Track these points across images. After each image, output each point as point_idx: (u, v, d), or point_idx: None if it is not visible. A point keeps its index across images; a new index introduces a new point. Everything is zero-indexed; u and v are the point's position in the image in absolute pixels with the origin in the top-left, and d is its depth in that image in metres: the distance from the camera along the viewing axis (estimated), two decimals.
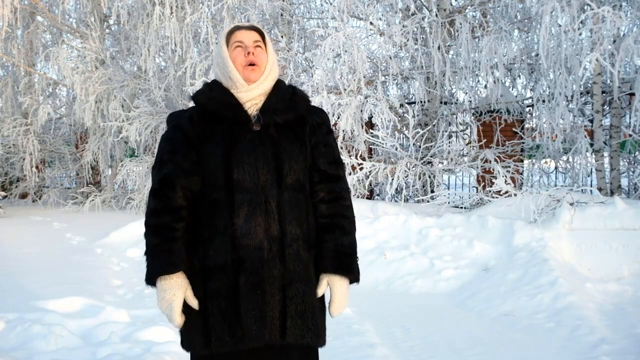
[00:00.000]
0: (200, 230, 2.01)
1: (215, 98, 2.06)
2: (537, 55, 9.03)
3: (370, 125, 9.71)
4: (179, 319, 1.97)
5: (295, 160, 2.02)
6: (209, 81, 2.19)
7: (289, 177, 2.00)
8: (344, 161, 2.18)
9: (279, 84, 2.13)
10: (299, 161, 2.03)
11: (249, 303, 1.93)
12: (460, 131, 10.49)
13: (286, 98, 2.09)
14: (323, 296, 2.11)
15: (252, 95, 2.05)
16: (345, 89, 8.31)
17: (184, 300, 1.98)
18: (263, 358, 1.99)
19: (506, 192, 7.22)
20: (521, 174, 8.93)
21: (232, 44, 2.08)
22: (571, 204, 6.21)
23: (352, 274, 2.07)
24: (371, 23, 9.85)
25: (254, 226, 1.95)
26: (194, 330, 2.00)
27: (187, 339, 2.04)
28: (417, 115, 9.72)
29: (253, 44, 2.07)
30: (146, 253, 2.03)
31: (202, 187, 2.01)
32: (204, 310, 1.97)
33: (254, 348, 1.95)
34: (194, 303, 1.98)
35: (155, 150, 11.31)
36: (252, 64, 2.05)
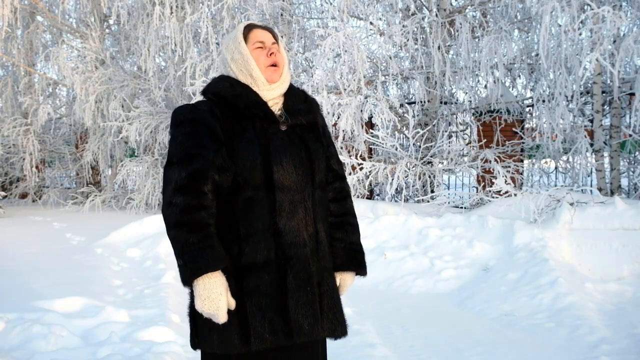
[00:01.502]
0: (233, 228, 1.97)
1: (243, 95, 2.04)
2: (537, 55, 9.04)
3: (370, 125, 9.72)
4: (225, 316, 1.91)
5: (321, 160, 2.10)
6: (217, 76, 2.15)
7: (318, 176, 2.08)
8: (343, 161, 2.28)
9: (291, 85, 2.18)
10: (323, 161, 2.11)
11: (298, 300, 1.96)
12: (460, 131, 10.49)
13: (301, 100, 2.15)
14: None
15: (273, 95, 2.08)
16: (345, 89, 8.31)
17: None
18: (294, 354, 2.00)
19: (506, 192, 7.22)
20: (521, 174, 8.93)
21: (252, 42, 2.08)
22: (571, 204, 6.21)
23: (363, 269, 2.20)
24: (371, 23, 9.85)
25: (296, 224, 1.99)
26: (230, 329, 1.94)
27: (219, 338, 1.96)
28: (417, 115, 9.73)
29: (272, 44, 2.10)
30: (182, 252, 1.89)
31: (233, 184, 1.97)
32: (240, 308, 1.93)
33: (286, 345, 1.96)
34: (232, 303, 1.93)
35: (156, 150, 11.20)
36: (274, 65, 2.08)
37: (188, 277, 1.88)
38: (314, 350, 2.06)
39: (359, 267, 2.19)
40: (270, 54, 2.07)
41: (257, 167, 1.96)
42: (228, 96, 2.04)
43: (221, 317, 1.90)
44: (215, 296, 1.87)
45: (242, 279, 1.95)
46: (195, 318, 2.01)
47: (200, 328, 1.99)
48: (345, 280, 2.19)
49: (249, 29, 2.11)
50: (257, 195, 1.97)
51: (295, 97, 2.14)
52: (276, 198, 1.97)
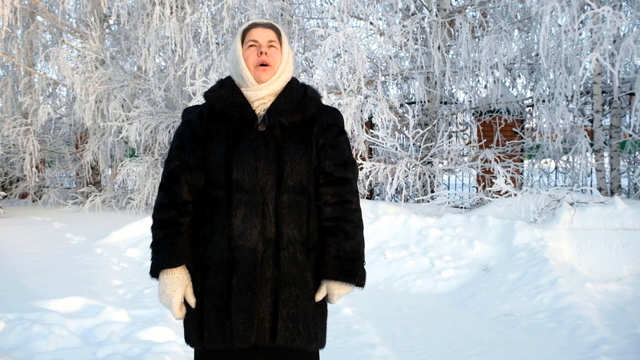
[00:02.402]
0: (202, 227, 2.04)
1: (223, 97, 2.06)
2: (537, 55, 9.04)
3: (370, 125, 9.72)
4: (178, 313, 2.02)
5: (298, 163, 2.00)
6: (222, 78, 2.19)
7: (290, 179, 1.99)
8: (354, 163, 2.14)
9: (291, 83, 2.11)
10: (302, 163, 2.01)
11: (239, 304, 1.95)
12: (460, 131, 10.49)
13: (295, 99, 2.07)
14: (324, 300, 2.11)
15: (260, 95, 2.05)
16: (345, 89, 8.31)
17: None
18: (255, 358, 2.00)
19: (506, 192, 7.22)
20: (521, 174, 8.93)
21: (246, 42, 2.07)
22: (571, 204, 6.21)
23: (354, 280, 2.05)
24: (371, 23, 9.85)
25: (250, 227, 1.95)
26: (192, 324, 2.03)
27: (186, 332, 2.08)
28: (417, 115, 9.73)
29: (267, 43, 2.06)
30: (151, 246, 2.05)
31: (205, 184, 2.03)
32: (200, 306, 2.01)
33: (246, 348, 1.97)
34: (192, 301, 2.02)
35: (156, 150, 11.27)
36: (263, 64, 2.04)
37: (150, 270, 2.03)
38: (276, 358, 2.01)
39: (349, 277, 2.03)
40: (261, 53, 2.04)
41: (220, 168, 1.99)
42: (210, 98, 2.09)
43: (175, 312, 2.01)
44: (169, 292, 1.99)
45: (205, 278, 2.01)
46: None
47: (183, 322, 2.10)
48: (332, 290, 2.05)
49: (248, 29, 2.10)
50: (220, 196, 2.00)
51: (288, 96, 2.07)
52: (232, 199, 1.97)
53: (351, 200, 2.08)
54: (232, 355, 1.99)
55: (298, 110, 2.05)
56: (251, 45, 2.06)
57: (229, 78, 2.13)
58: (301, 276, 2.00)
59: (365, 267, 2.11)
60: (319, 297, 2.05)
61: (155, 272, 2.02)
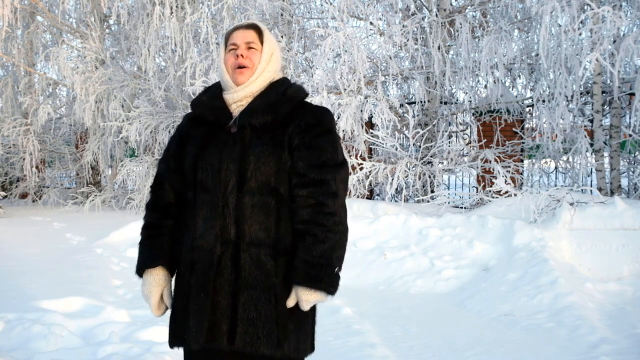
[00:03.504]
0: (179, 228, 2.08)
1: (203, 101, 2.12)
2: (537, 55, 9.04)
3: (370, 125, 9.71)
4: (156, 312, 2.09)
5: (264, 163, 1.94)
6: (214, 82, 2.24)
7: (253, 180, 1.94)
8: (339, 164, 2.03)
9: (274, 84, 2.08)
10: (269, 163, 1.95)
11: (194, 304, 1.95)
12: (460, 131, 10.49)
13: (271, 99, 2.03)
14: (297, 306, 1.98)
15: (237, 97, 2.05)
16: (345, 89, 8.31)
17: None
18: None
19: (506, 192, 7.22)
20: (521, 174, 8.93)
21: (228, 46, 2.10)
22: (571, 204, 6.21)
23: (320, 285, 1.91)
24: (371, 23, 9.85)
25: (209, 228, 1.95)
26: (169, 325, 2.09)
27: (167, 332, 2.14)
28: (417, 115, 9.72)
29: (245, 45, 2.06)
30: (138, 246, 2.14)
31: (182, 186, 2.08)
32: (173, 306, 2.07)
33: (210, 349, 1.95)
34: (167, 302, 2.09)
35: (156, 150, 11.27)
36: (240, 67, 2.04)
37: (136, 271, 2.11)
38: None
39: (314, 282, 1.90)
40: (237, 56, 2.05)
41: (190, 169, 2.03)
42: (193, 103, 2.15)
43: (153, 311, 2.09)
44: (147, 292, 2.06)
45: (178, 278, 2.07)
46: None
47: None
48: (300, 295, 1.93)
49: (232, 31, 2.12)
50: (189, 196, 2.04)
51: (264, 97, 2.04)
52: (197, 200, 2.00)
53: (325, 203, 1.95)
54: (201, 356, 2.00)
55: (269, 111, 2.01)
56: (231, 49, 2.08)
57: (217, 83, 2.18)
58: (266, 280, 1.93)
59: (339, 273, 1.96)
60: (290, 302, 1.96)
61: (139, 273, 2.10)
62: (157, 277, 2.05)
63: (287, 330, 1.95)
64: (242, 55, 2.04)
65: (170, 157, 2.12)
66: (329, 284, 1.92)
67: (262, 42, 2.08)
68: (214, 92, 2.12)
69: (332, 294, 1.94)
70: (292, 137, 1.98)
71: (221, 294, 1.92)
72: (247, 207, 1.94)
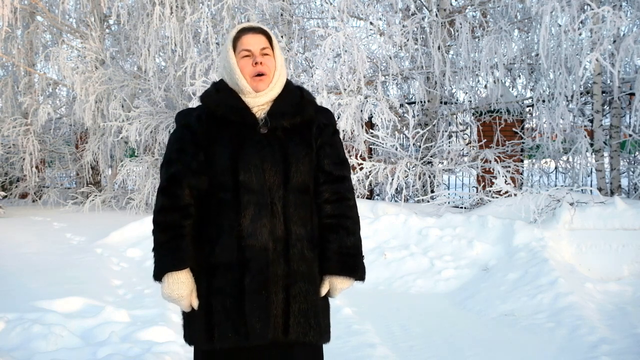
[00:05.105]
0: (207, 228, 2.06)
1: (223, 101, 2.10)
2: (537, 55, 9.04)
3: (370, 125, 9.71)
4: (188, 307, 2.07)
5: (302, 163, 2.06)
6: (216, 81, 2.22)
7: (295, 178, 2.05)
8: (347, 161, 2.22)
9: (287, 86, 2.16)
10: (305, 163, 2.07)
11: (253, 303, 1.99)
12: (460, 131, 10.49)
13: (294, 102, 2.13)
14: (326, 296, 2.17)
15: (260, 102, 2.09)
16: (345, 89, 8.31)
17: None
18: (268, 354, 2.05)
19: (506, 192, 7.22)
20: (521, 174, 8.93)
21: (239, 50, 2.09)
22: (571, 204, 6.21)
23: (356, 274, 2.14)
24: (371, 23, 9.85)
25: (260, 227, 2.00)
26: (197, 324, 2.06)
27: (190, 333, 2.11)
28: (417, 115, 9.72)
29: (260, 51, 2.09)
30: (154, 249, 2.07)
31: (209, 187, 2.06)
32: (207, 306, 2.04)
33: (258, 345, 2.01)
34: (195, 303, 2.05)
35: (156, 150, 11.27)
36: (260, 74, 2.07)
37: (155, 274, 2.05)
38: (288, 352, 2.06)
39: (351, 272, 2.13)
40: (256, 64, 2.07)
41: (227, 171, 2.03)
42: (210, 103, 2.12)
43: (185, 307, 2.07)
44: (176, 295, 2.02)
45: (211, 278, 2.04)
46: (182, 311, 2.15)
47: (183, 321, 2.15)
48: (335, 285, 2.13)
49: (240, 34, 2.12)
50: (226, 197, 2.04)
51: (286, 99, 2.12)
52: (241, 200, 2.01)
53: (349, 197, 2.16)
54: (244, 353, 2.03)
55: (298, 113, 2.12)
56: (245, 55, 2.09)
57: (223, 82, 2.16)
58: (309, 272, 2.07)
59: (364, 262, 2.18)
60: (323, 291, 2.13)
61: (160, 276, 2.04)
62: (186, 279, 2.02)
63: (326, 318, 2.14)
64: (260, 63, 2.08)
65: (192, 158, 2.06)
66: (362, 271, 2.16)
67: (272, 48, 2.13)
68: (229, 92, 2.11)
69: (364, 279, 2.17)
70: (316, 138, 2.13)
71: (276, 289, 2.01)
72: (292, 205, 2.05)
